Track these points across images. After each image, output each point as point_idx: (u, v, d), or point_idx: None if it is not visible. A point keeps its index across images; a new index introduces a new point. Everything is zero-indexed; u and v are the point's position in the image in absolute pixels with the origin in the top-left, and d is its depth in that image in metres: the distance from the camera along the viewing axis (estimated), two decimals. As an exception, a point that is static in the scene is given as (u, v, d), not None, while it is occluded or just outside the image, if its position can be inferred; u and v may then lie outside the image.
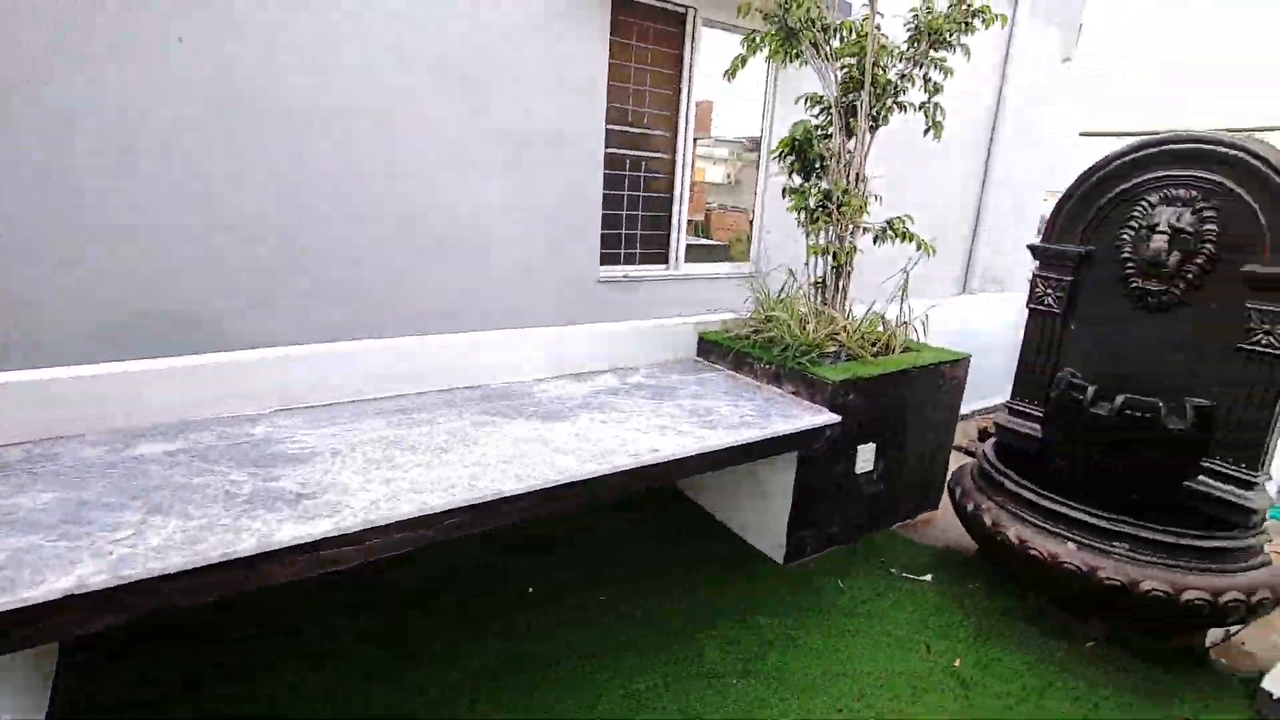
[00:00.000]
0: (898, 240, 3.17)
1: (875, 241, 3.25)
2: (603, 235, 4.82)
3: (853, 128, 3.21)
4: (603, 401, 2.86)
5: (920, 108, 3.17)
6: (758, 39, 3.25)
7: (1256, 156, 2.28)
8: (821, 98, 3.36)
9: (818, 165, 3.32)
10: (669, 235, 5.38)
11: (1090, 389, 2.64)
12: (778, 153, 3.35)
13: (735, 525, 3.30)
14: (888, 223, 3.17)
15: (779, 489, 2.99)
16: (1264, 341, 2.32)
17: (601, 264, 4.90)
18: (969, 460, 3.32)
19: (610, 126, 4.70)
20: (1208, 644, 2.63)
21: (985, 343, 4.46)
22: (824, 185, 3.27)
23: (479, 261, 4.18)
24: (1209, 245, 2.41)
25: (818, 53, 3.17)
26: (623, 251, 5.09)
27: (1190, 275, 2.47)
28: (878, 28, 3.10)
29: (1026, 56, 6.76)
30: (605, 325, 3.36)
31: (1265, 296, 2.31)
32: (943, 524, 3.55)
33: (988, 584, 3.00)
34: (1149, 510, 2.56)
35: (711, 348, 3.52)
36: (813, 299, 3.46)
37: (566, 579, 2.85)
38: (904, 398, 3.17)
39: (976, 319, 5.17)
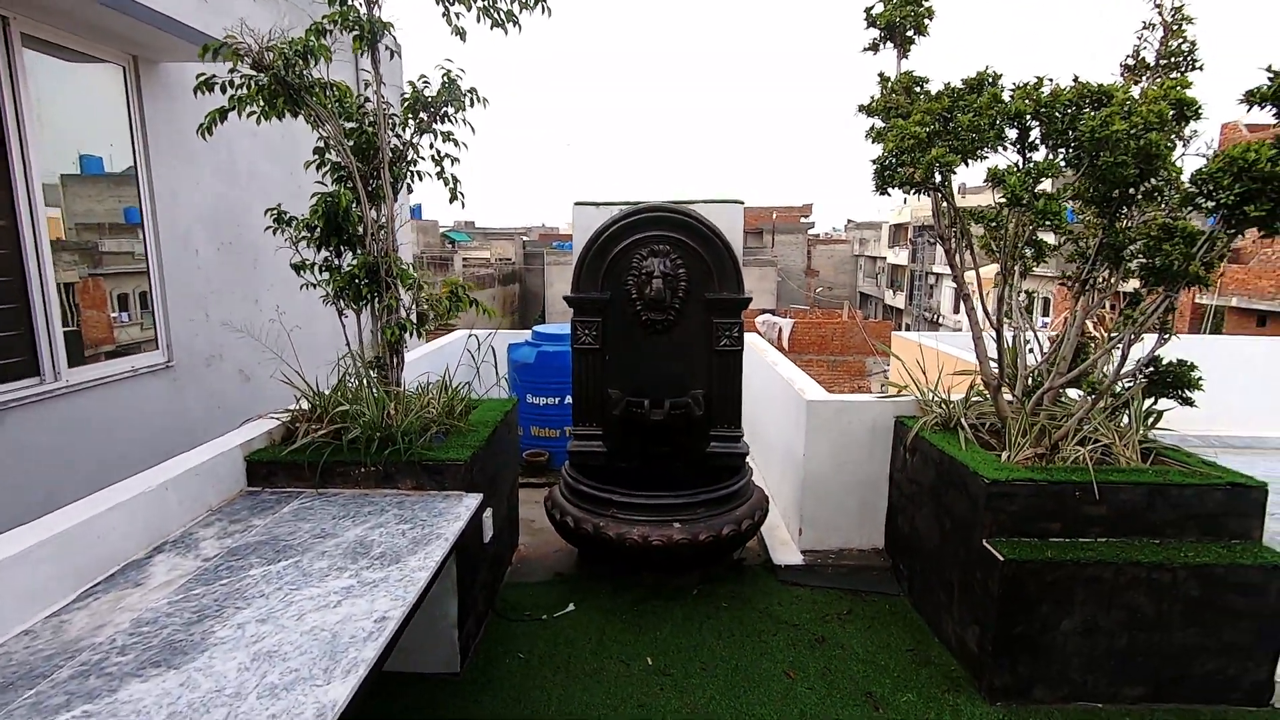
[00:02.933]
0: (468, 309, 3.16)
1: (448, 314, 3.15)
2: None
3: (378, 194, 3.00)
4: (217, 596, 1.96)
5: (438, 176, 3.21)
6: (244, 96, 2.66)
7: (699, 221, 3.33)
8: (328, 159, 3.00)
9: (347, 237, 2.96)
10: (33, 332, 3.72)
11: (647, 401, 3.35)
12: (305, 223, 2.82)
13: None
14: (453, 290, 3.12)
15: (444, 592, 2.69)
16: (724, 343, 3.45)
17: (-75, 400, 3.07)
18: (555, 485, 3.68)
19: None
20: (737, 557, 3.77)
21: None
22: (364, 257, 2.96)
23: None
24: (684, 283, 3.38)
25: (325, 114, 2.81)
26: (-48, 373, 3.28)
27: (677, 305, 3.41)
28: (381, 95, 2.97)
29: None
30: (126, 484, 2.21)
31: (720, 313, 3.42)
32: (533, 553, 3.82)
33: (611, 587, 3.46)
34: (694, 481, 3.47)
35: (272, 469, 2.75)
36: (367, 381, 3.10)
37: None
38: (496, 452, 3.25)
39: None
